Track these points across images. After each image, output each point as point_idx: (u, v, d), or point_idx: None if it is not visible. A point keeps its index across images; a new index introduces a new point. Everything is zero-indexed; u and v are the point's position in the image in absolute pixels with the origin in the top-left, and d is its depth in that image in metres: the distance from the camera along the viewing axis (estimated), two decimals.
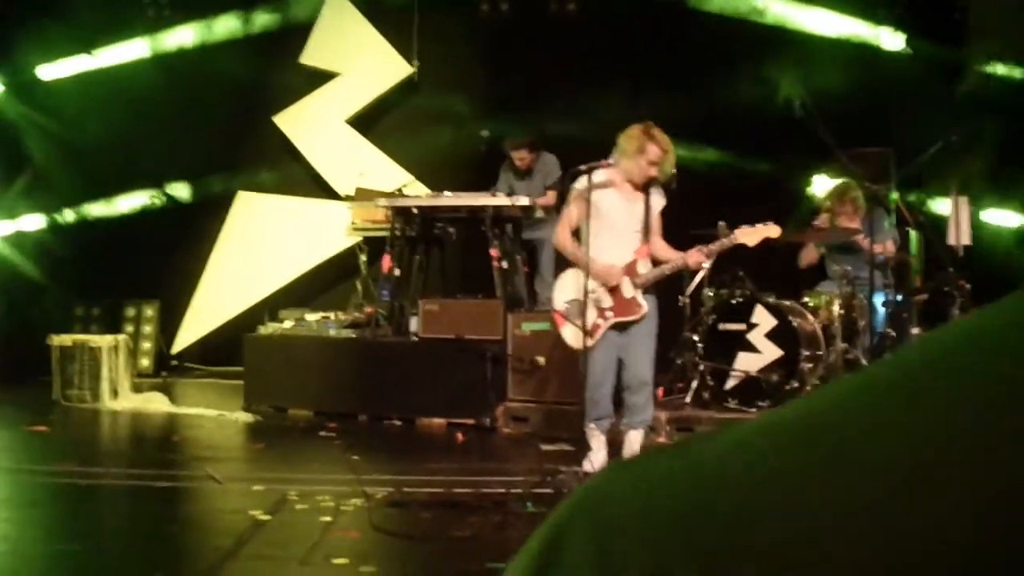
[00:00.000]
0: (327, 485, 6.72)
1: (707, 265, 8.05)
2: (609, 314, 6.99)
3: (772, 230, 6.99)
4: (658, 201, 7.10)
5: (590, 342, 6.94)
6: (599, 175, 6.94)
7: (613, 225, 7.00)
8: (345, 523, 5.78)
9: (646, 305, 7.01)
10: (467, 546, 5.38)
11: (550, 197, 10.54)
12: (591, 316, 6.94)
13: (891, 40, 11.23)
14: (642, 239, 7.05)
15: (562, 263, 9.62)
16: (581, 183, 6.93)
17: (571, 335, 7.16)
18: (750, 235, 6.99)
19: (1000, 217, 11.00)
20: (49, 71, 14.02)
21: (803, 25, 11.39)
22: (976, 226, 9.91)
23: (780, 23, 11.42)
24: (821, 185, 10.19)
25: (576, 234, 7.04)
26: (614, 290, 7.00)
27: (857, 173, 9.35)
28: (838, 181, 9.56)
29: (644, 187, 7.02)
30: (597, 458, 7.05)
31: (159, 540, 5.57)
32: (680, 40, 11.35)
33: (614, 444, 7.33)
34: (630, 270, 7.01)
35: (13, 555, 5.25)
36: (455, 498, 6.42)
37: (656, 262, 7.09)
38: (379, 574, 4.85)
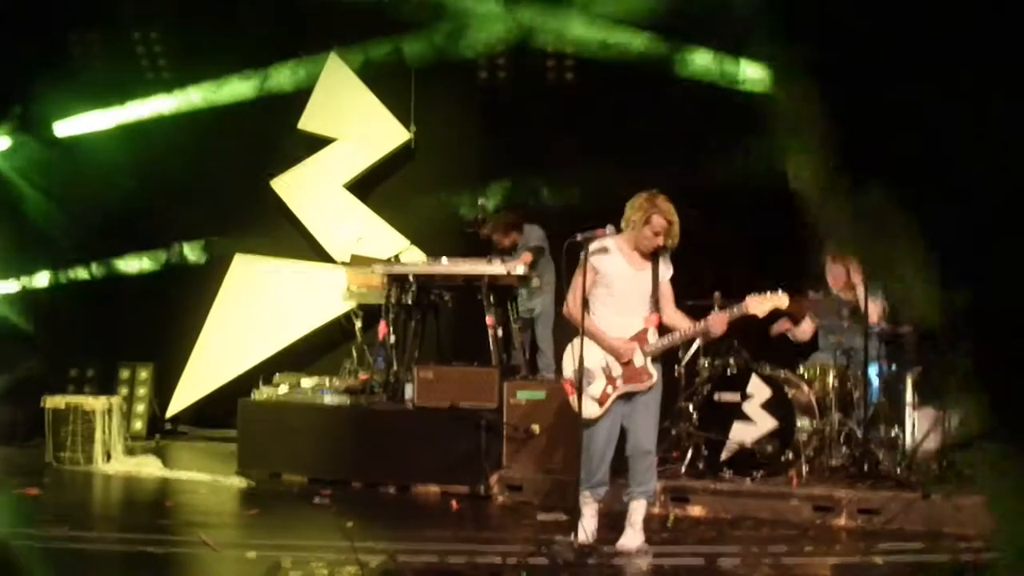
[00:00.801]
0: (321, 552, 6.69)
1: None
2: (619, 382, 6.96)
3: (781, 300, 6.94)
4: (666, 270, 7.10)
5: (600, 411, 6.94)
6: (607, 243, 6.94)
7: (620, 293, 7.00)
8: None
9: (656, 374, 7.02)
10: None
11: (526, 257, 10.48)
12: (601, 385, 6.95)
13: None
14: (651, 307, 7.05)
15: (559, 333, 9.69)
16: (589, 250, 6.92)
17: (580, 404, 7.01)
18: (759, 304, 6.95)
19: None
20: (63, 129, 14.20)
21: None
22: None
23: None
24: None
25: (586, 303, 7.00)
26: (625, 359, 7.02)
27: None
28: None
29: (652, 255, 7.03)
30: (589, 526, 7.01)
31: None
32: (678, 110, 11.40)
33: (614, 514, 7.31)
34: (640, 339, 7.00)
35: None
36: (450, 568, 6.40)
37: (665, 330, 7.09)
38: None
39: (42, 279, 14.32)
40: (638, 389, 6.99)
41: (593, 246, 6.93)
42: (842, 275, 9.35)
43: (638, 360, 6.96)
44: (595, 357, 6.93)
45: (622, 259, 6.99)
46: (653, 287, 7.03)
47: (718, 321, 6.96)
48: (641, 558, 6.69)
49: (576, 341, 6.96)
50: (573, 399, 6.94)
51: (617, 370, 6.98)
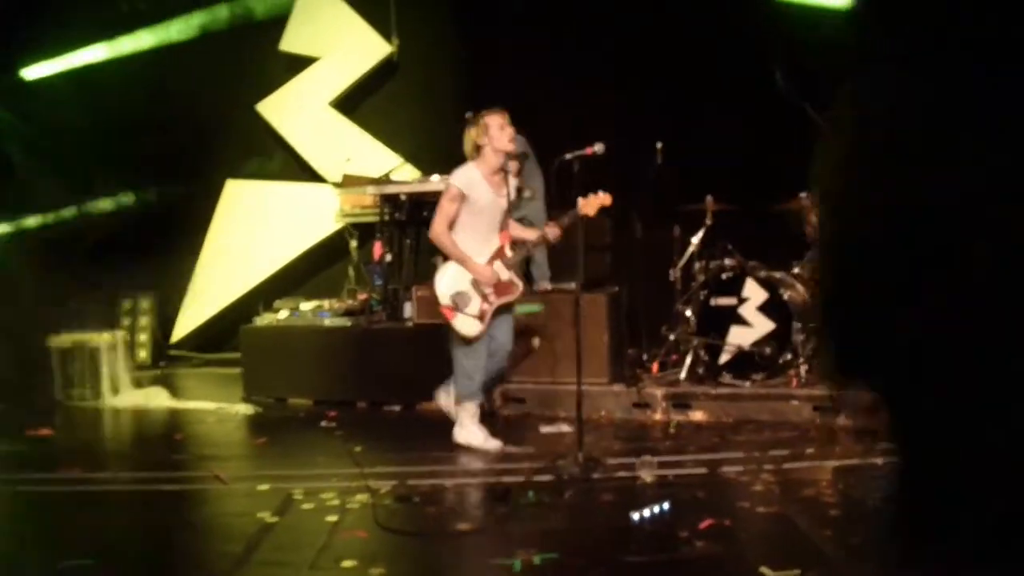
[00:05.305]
0: (331, 481, 6.80)
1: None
2: (493, 298, 7.57)
3: (605, 199, 7.45)
4: (514, 185, 7.80)
5: (482, 327, 7.56)
6: (472, 173, 7.52)
7: (487, 218, 7.60)
8: (351, 522, 5.86)
9: (521, 284, 7.71)
10: (473, 541, 5.49)
11: (512, 169, 10.44)
12: (477, 303, 7.55)
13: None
14: (502, 225, 7.66)
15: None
16: (462, 181, 7.50)
17: (463, 324, 7.57)
18: (588, 206, 7.47)
19: None
20: (33, 72, 14.05)
21: None
22: None
23: None
24: None
25: (450, 227, 7.60)
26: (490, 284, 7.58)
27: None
28: None
29: (504, 173, 7.58)
30: (479, 431, 7.82)
31: (170, 549, 5.65)
32: (665, 16, 11.26)
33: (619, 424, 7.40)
34: (500, 255, 7.63)
35: (28, 572, 5.34)
36: (459, 489, 6.52)
37: (515, 242, 7.74)
38: None
39: (35, 219, 14.30)
40: (510, 300, 7.69)
41: (461, 177, 7.53)
42: None
43: (504, 274, 7.59)
44: (466, 278, 7.55)
45: (486, 185, 7.54)
46: (507, 205, 7.60)
47: (552, 231, 7.61)
48: (645, 469, 6.79)
49: (445, 267, 7.66)
50: (454, 321, 7.57)
51: (488, 287, 7.56)
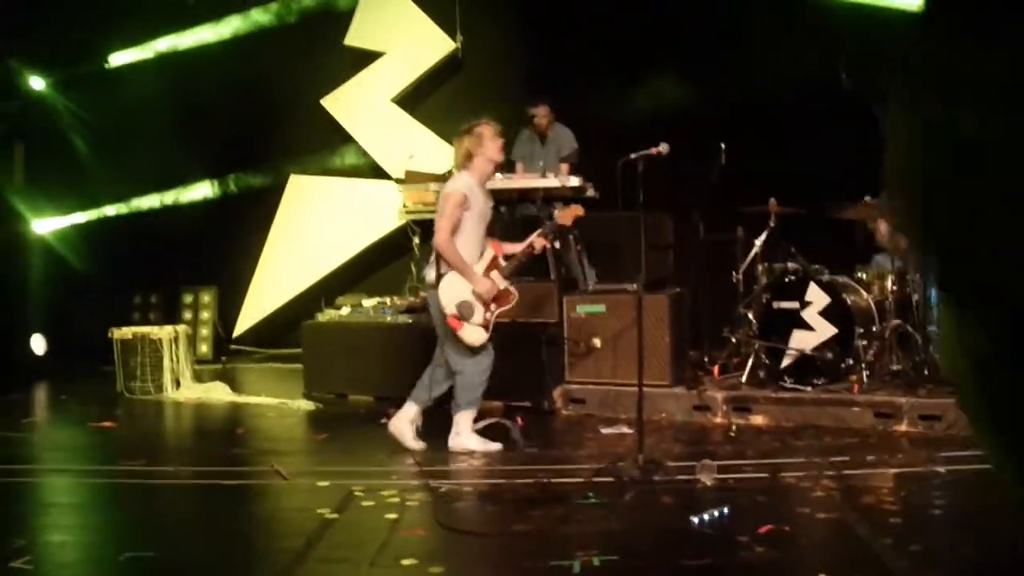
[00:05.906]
0: (391, 479, 6.84)
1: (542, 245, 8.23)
2: (493, 306, 7.71)
3: (578, 209, 8.05)
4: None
5: (487, 335, 7.72)
6: (468, 180, 7.67)
7: (480, 226, 7.76)
8: (411, 520, 5.88)
9: (516, 293, 7.88)
10: (531, 542, 5.48)
11: (564, 171, 10.51)
12: (481, 312, 7.66)
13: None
14: (487, 234, 7.88)
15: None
16: (464, 187, 7.62)
17: (469, 334, 7.66)
18: (564, 216, 7.99)
19: None
20: (107, 62, 14.24)
21: None
22: None
23: None
24: None
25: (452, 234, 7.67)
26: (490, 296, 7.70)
27: None
28: None
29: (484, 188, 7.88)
30: (477, 437, 7.93)
31: (231, 542, 5.70)
32: (731, 17, 11.16)
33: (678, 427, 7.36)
34: (495, 264, 7.80)
35: (89, 563, 5.41)
36: (517, 490, 6.52)
37: (507, 253, 7.90)
38: (447, 575, 4.94)
39: (99, 213, 14.45)
40: (508, 308, 7.86)
41: (462, 184, 7.67)
42: None
43: (500, 283, 7.75)
44: (467, 287, 7.63)
45: (480, 193, 7.73)
46: (493, 214, 7.97)
47: (539, 241, 7.94)
48: (705, 472, 6.76)
49: (451, 275, 7.64)
50: (462, 332, 7.64)
51: (488, 297, 7.69)
